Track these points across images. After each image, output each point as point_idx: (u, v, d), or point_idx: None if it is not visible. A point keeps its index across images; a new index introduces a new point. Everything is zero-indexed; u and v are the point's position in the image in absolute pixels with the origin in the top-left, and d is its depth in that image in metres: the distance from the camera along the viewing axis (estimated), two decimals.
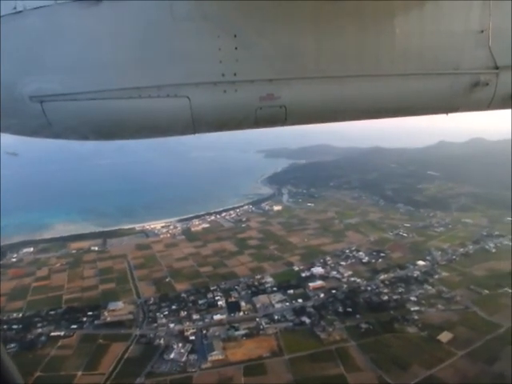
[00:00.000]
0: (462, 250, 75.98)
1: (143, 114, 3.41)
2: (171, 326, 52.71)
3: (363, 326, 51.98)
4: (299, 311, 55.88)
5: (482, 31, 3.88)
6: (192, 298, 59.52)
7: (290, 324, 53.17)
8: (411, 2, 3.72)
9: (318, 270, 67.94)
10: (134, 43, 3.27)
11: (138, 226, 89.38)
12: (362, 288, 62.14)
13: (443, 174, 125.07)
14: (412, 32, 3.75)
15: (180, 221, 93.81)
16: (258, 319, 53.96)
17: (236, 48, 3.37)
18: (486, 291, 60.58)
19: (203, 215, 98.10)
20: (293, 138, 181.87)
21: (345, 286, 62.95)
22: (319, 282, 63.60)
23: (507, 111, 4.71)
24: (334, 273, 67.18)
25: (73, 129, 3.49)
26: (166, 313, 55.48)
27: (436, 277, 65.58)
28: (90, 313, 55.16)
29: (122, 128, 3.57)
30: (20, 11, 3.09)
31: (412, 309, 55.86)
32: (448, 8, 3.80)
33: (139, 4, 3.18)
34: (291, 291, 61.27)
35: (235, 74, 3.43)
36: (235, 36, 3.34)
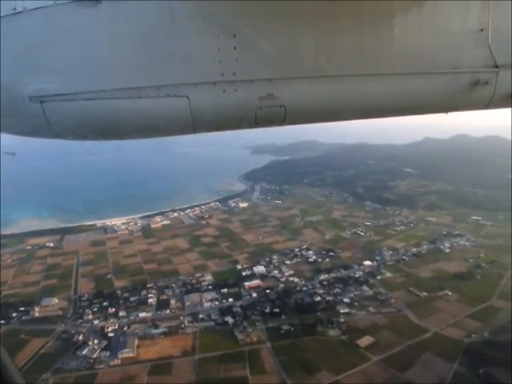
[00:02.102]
0: (415, 249, 74.13)
1: (143, 113, 3.42)
2: (95, 322, 53.45)
3: (284, 327, 51.39)
4: (225, 311, 55.72)
5: (482, 30, 3.85)
6: (126, 295, 60.18)
7: (212, 323, 53.13)
8: (410, 1, 3.72)
9: (259, 268, 67.47)
10: (134, 43, 3.28)
11: (99, 223, 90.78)
12: (298, 288, 61.40)
13: (420, 171, 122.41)
14: (411, 31, 3.73)
15: (143, 217, 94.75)
16: (182, 318, 54.14)
17: (235, 48, 3.37)
18: (425, 294, 59.04)
19: (167, 212, 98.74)
20: (282, 134, 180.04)
21: (281, 285, 62.33)
22: (255, 282, 63.21)
23: (507, 110, 4.69)
24: (276, 272, 66.62)
25: (72, 129, 3.52)
26: (95, 309, 56.31)
27: (378, 278, 64.21)
28: (22, 308, 56.47)
29: (121, 128, 3.57)
30: (20, 12, 3.13)
31: (341, 311, 54.90)
32: (447, 7, 3.79)
33: (138, 4, 3.21)
34: (225, 290, 61.08)
35: (235, 74, 3.42)
36: (234, 36, 3.35)
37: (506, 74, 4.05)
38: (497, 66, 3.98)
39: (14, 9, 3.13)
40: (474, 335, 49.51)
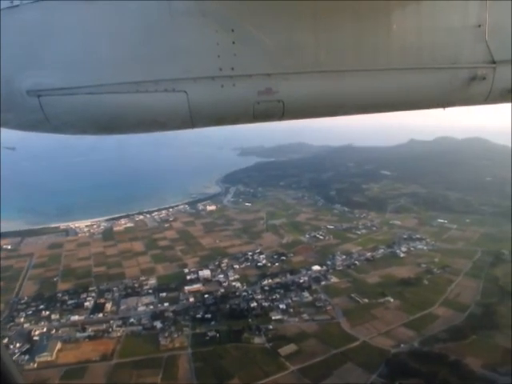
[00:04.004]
0: (369, 254, 72.21)
1: (140, 108, 3.41)
2: (26, 326, 53.64)
3: (210, 334, 50.65)
4: (157, 315, 55.31)
5: (479, 26, 3.89)
6: (65, 298, 60.29)
7: (140, 328, 52.67)
8: None
9: (205, 273, 66.79)
10: (132, 37, 3.27)
11: (63, 225, 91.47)
12: (237, 293, 60.47)
13: (397, 173, 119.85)
14: (410, 26, 3.76)
15: (109, 220, 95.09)
16: (112, 322, 53.88)
17: (234, 42, 3.36)
18: (366, 300, 57.33)
19: (134, 214, 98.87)
20: (271, 136, 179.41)
21: (221, 290, 61.46)
22: (197, 286, 62.56)
23: (506, 105, 4.76)
24: (221, 276, 65.84)
25: (70, 123, 3.52)
26: (30, 313, 56.52)
27: (323, 283, 62.75)
28: None
29: (119, 122, 3.56)
30: (17, 5, 3.10)
31: (274, 318, 53.83)
32: (445, 2, 3.84)
33: None
34: (164, 294, 60.62)
35: (233, 69, 3.41)
36: (233, 30, 3.34)
37: (503, 70, 4.06)
38: (494, 62, 4.00)
39: (11, 2, 3.07)
40: (402, 345, 47.69)
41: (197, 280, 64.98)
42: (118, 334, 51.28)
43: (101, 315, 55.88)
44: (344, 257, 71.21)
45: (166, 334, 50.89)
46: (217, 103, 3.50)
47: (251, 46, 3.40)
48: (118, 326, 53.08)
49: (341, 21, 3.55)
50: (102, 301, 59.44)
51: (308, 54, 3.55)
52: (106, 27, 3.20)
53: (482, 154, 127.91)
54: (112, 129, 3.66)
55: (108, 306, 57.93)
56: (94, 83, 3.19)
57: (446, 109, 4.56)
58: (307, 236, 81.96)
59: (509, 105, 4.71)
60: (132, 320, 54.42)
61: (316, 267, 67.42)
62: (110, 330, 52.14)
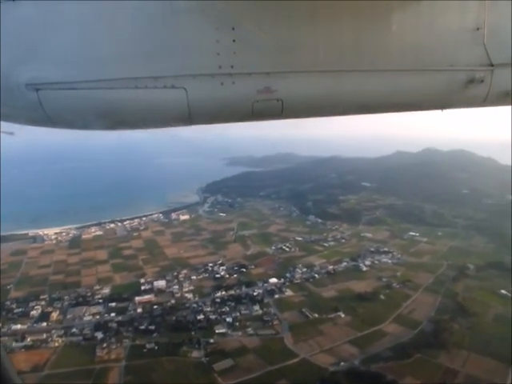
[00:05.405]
0: (331, 267, 70.50)
1: (139, 104, 3.42)
2: None
3: (149, 346, 49.43)
4: (101, 326, 54.15)
5: (478, 29, 3.92)
6: (13, 306, 59.49)
7: (80, 338, 51.56)
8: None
9: (160, 283, 65.68)
10: (132, 33, 3.29)
11: (32, 232, 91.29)
12: (187, 305, 59.14)
13: (376, 185, 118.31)
14: (408, 28, 3.79)
15: (79, 228, 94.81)
16: (53, 331, 52.87)
17: (234, 40, 3.38)
18: (316, 315, 55.60)
19: (106, 222, 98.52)
20: (260, 146, 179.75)
21: (172, 301, 60.22)
22: (148, 296, 61.40)
23: (505, 108, 4.79)
24: (175, 287, 64.63)
25: (68, 118, 3.52)
26: None
27: (276, 296, 61.19)
28: None
29: (117, 118, 3.57)
30: None
31: (218, 331, 52.35)
32: (444, 5, 3.87)
33: None
34: (113, 304, 59.60)
35: (232, 67, 3.43)
36: (233, 29, 3.35)
37: (500, 73, 4.07)
38: (492, 65, 4.01)
39: None
40: (342, 363, 45.82)
41: (150, 290, 63.85)
42: (56, 345, 50.19)
43: (45, 324, 54.81)
44: (305, 269, 69.62)
45: (104, 345, 49.73)
46: (216, 101, 3.49)
47: (251, 44, 3.39)
48: (58, 335, 52.02)
49: (340, 21, 3.56)
50: (49, 310, 58.48)
51: (307, 54, 3.55)
52: (106, 22, 3.19)
53: (463, 167, 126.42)
54: (110, 125, 3.64)
55: (54, 315, 56.96)
56: (92, 78, 3.18)
57: (444, 111, 4.56)
58: (273, 248, 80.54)
59: (507, 107, 4.68)
60: (74, 330, 53.33)
61: (273, 280, 65.90)
62: (50, 340, 51.09)
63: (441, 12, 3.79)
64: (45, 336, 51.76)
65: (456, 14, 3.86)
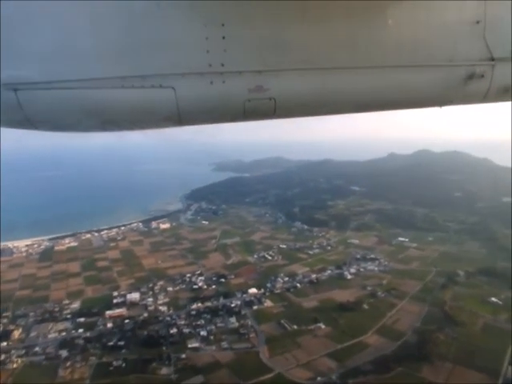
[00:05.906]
0: (314, 276, 67.86)
1: (126, 104, 3.20)
2: None
3: (116, 363, 46.42)
4: (66, 343, 50.73)
5: (478, 22, 3.75)
6: None
7: (42, 358, 48.04)
8: None
9: (133, 296, 62.40)
10: (118, 31, 3.05)
11: (2, 244, 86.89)
12: (160, 318, 55.97)
13: (366, 189, 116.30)
14: (405, 22, 3.59)
15: (52, 239, 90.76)
16: (13, 351, 49.21)
17: (224, 38, 3.17)
18: (295, 327, 52.76)
19: (81, 233, 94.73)
20: (250, 151, 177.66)
21: (145, 315, 56.91)
22: (119, 310, 58.05)
23: (506, 104, 4.67)
24: (149, 300, 61.36)
25: (49, 119, 3.26)
26: None
27: (255, 308, 58.33)
28: None
29: (102, 119, 3.32)
30: None
31: (190, 345, 49.35)
32: None
33: None
34: (82, 319, 56.10)
35: (223, 65, 3.23)
36: (223, 25, 3.16)
37: (502, 67, 3.93)
38: (493, 59, 3.87)
39: None
40: (319, 378, 42.98)
41: (123, 304, 60.49)
42: (14, 366, 46.55)
43: (5, 344, 51.07)
44: (286, 279, 66.94)
45: (68, 364, 46.42)
46: (206, 100, 3.32)
47: (242, 41, 3.24)
48: (18, 355, 48.36)
49: (333, 17, 3.42)
50: (11, 327, 54.74)
51: (300, 51, 3.41)
52: (89, 18, 2.98)
53: (456, 168, 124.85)
54: (95, 126, 3.45)
55: (16, 333, 53.27)
56: (75, 77, 2.99)
57: (443, 108, 4.45)
58: (255, 256, 77.87)
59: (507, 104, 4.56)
60: (37, 349, 49.74)
61: (253, 290, 63.06)
62: (8, 360, 47.43)
63: (439, 5, 3.61)
64: (3, 357, 48.11)
65: (455, 6, 3.69)
